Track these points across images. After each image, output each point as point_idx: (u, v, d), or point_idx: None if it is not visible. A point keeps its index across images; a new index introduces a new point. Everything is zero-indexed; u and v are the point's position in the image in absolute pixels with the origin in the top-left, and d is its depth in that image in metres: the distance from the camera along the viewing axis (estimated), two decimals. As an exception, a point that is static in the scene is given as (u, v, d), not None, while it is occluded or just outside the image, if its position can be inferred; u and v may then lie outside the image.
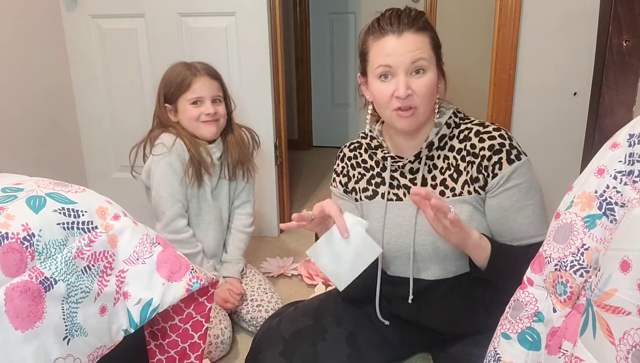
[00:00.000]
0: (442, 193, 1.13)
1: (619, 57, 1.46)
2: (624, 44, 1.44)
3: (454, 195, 1.12)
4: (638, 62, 1.44)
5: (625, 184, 0.71)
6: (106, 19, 2.19)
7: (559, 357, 0.74)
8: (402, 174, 1.17)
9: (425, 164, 1.15)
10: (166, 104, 1.58)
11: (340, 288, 1.04)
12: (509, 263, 1.04)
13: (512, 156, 1.08)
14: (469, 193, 1.11)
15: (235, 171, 1.68)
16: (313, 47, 3.59)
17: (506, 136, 1.10)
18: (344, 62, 3.56)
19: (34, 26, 2.08)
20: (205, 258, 1.64)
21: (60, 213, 0.80)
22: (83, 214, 0.83)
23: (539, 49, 1.90)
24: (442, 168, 1.14)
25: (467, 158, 1.12)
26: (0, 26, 1.92)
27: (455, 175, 1.13)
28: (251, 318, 1.60)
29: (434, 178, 1.15)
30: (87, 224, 0.84)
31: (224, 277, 1.67)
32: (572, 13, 1.83)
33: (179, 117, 1.58)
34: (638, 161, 0.70)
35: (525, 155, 1.10)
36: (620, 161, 0.73)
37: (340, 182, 1.26)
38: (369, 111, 1.18)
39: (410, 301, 1.16)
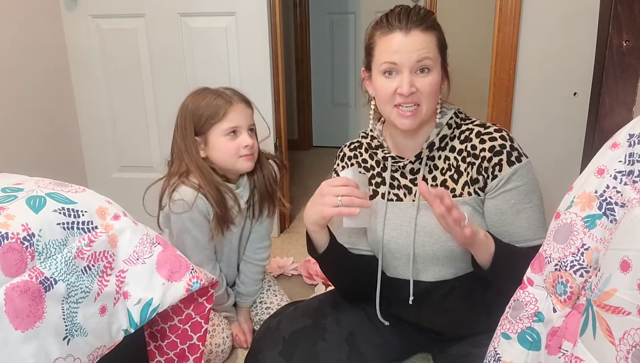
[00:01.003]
0: None
1: (619, 57, 1.46)
2: (624, 44, 1.44)
3: (454, 196, 1.12)
4: (638, 62, 1.44)
5: (625, 184, 0.71)
6: (106, 19, 2.18)
7: (559, 357, 0.74)
8: (403, 175, 1.17)
9: (426, 164, 1.15)
10: (195, 137, 1.40)
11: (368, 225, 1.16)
12: (511, 264, 1.04)
13: (513, 158, 1.08)
14: (469, 194, 1.11)
15: (262, 209, 1.54)
16: (313, 47, 3.59)
17: (507, 137, 1.10)
18: (344, 62, 3.56)
19: (34, 26, 2.08)
20: (227, 294, 1.57)
21: (60, 213, 0.80)
22: (83, 214, 0.83)
23: (539, 49, 1.90)
24: (442, 168, 1.14)
25: (468, 159, 1.11)
26: (0, 26, 1.92)
27: (455, 176, 1.13)
28: (259, 320, 1.60)
29: (434, 178, 1.14)
30: (87, 224, 0.84)
31: (237, 306, 1.61)
32: (572, 13, 1.83)
33: (208, 152, 1.41)
34: (638, 161, 0.69)
35: (526, 157, 1.10)
36: (620, 161, 0.73)
37: None
38: (372, 107, 1.17)
39: (410, 302, 1.16)
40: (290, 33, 3.50)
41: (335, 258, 1.18)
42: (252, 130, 1.43)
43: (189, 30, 2.12)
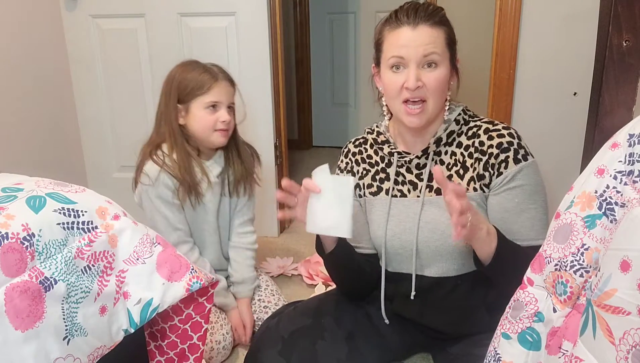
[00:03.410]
0: None
1: (619, 57, 1.45)
2: (624, 44, 1.43)
3: None
4: (638, 62, 1.43)
5: (625, 184, 0.71)
6: (106, 19, 2.19)
7: (559, 357, 0.74)
8: (409, 170, 1.17)
9: (433, 159, 1.15)
10: (177, 104, 1.48)
11: (349, 235, 1.03)
12: (512, 264, 1.03)
13: (519, 156, 1.08)
14: (475, 189, 1.11)
15: (238, 188, 1.60)
16: (313, 47, 3.59)
17: (515, 135, 1.10)
18: (344, 62, 3.55)
19: (34, 26, 2.08)
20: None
21: (60, 213, 0.80)
22: (83, 214, 0.83)
23: (539, 49, 1.90)
24: (448, 164, 1.15)
25: (475, 155, 1.12)
26: (0, 26, 1.92)
27: (461, 171, 1.13)
28: (257, 318, 1.60)
29: None
30: (87, 224, 0.84)
31: (237, 298, 1.61)
32: (572, 13, 1.83)
33: (187, 120, 1.48)
34: (638, 161, 0.69)
35: (532, 157, 1.10)
36: (620, 161, 0.73)
37: None
38: (384, 103, 1.18)
39: (412, 297, 1.16)
40: (290, 33, 3.50)
41: (340, 259, 1.18)
42: (230, 107, 1.52)
43: (189, 30, 2.12)
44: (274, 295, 1.65)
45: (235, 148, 1.59)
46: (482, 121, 1.15)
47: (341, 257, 1.17)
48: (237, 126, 1.59)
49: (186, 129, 1.49)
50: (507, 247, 1.05)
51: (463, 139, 1.15)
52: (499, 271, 1.05)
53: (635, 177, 0.69)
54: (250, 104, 2.15)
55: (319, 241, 1.16)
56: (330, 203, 1.01)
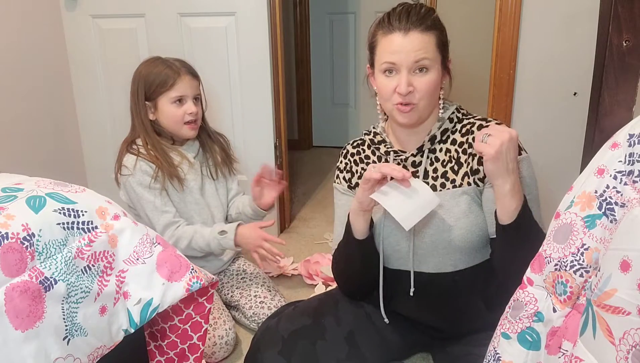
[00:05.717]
0: (442, 185, 1.15)
1: (619, 57, 1.45)
2: (624, 44, 1.43)
3: (454, 187, 1.14)
4: (638, 62, 1.43)
5: (625, 184, 0.71)
6: (106, 19, 2.19)
7: (559, 357, 0.75)
8: (405, 168, 1.18)
9: (428, 157, 1.16)
10: (145, 102, 1.56)
11: (406, 228, 1.06)
12: (527, 235, 1.03)
13: None
14: (469, 184, 1.13)
15: (222, 170, 1.70)
16: (313, 47, 3.59)
17: None
18: (344, 62, 3.56)
19: (34, 26, 2.08)
20: (204, 226, 1.60)
21: (60, 213, 0.80)
22: (83, 214, 0.83)
23: (539, 49, 1.90)
24: (443, 160, 1.16)
25: (469, 151, 1.14)
26: (0, 26, 1.92)
27: (456, 167, 1.14)
28: (253, 313, 1.61)
29: (435, 170, 1.16)
30: (87, 224, 0.84)
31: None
32: (572, 13, 1.83)
33: (157, 115, 1.57)
34: (638, 161, 0.70)
35: (526, 152, 1.11)
36: (620, 161, 0.73)
37: (344, 178, 1.27)
38: (378, 102, 1.19)
39: (411, 293, 1.17)
40: (290, 33, 3.50)
41: (365, 249, 1.18)
42: (197, 99, 1.60)
43: (189, 30, 2.12)
44: (270, 291, 1.66)
45: (207, 136, 1.69)
46: (475, 118, 1.18)
47: (367, 247, 1.17)
48: (205, 114, 1.69)
49: (157, 123, 1.58)
50: (529, 214, 1.04)
51: (457, 136, 1.16)
52: (514, 238, 1.04)
53: (635, 177, 0.69)
54: (250, 104, 2.16)
55: (348, 226, 1.16)
56: (412, 197, 1.06)
